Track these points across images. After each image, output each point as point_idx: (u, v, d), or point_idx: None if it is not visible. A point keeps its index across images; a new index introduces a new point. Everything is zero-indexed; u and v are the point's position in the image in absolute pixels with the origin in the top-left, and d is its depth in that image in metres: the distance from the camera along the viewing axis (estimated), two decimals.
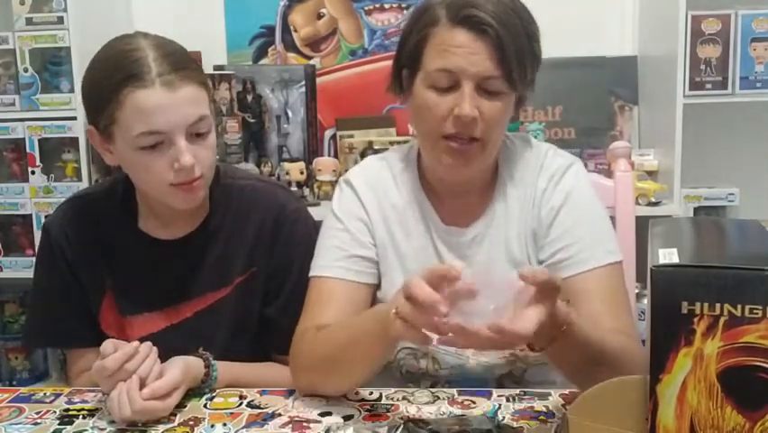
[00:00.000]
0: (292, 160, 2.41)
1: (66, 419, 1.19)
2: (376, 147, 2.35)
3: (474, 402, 1.20)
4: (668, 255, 0.80)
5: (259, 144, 2.45)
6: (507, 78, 1.18)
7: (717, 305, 0.77)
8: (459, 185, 1.30)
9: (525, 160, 1.32)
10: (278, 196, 1.42)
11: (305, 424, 1.14)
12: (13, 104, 2.37)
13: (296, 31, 2.62)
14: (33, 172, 2.38)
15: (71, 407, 1.24)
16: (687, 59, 2.23)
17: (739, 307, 0.76)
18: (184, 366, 1.21)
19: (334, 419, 1.15)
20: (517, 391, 1.24)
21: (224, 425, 1.15)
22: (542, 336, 1.02)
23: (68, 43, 2.31)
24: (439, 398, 1.22)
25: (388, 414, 1.16)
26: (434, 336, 0.98)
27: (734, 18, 2.27)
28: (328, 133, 2.58)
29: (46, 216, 2.36)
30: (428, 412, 1.17)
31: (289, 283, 1.36)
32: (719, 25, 2.26)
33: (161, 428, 1.15)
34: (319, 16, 2.61)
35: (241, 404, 1.22)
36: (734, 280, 0.76)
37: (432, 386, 1.30)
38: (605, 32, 2.53)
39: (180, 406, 1.20)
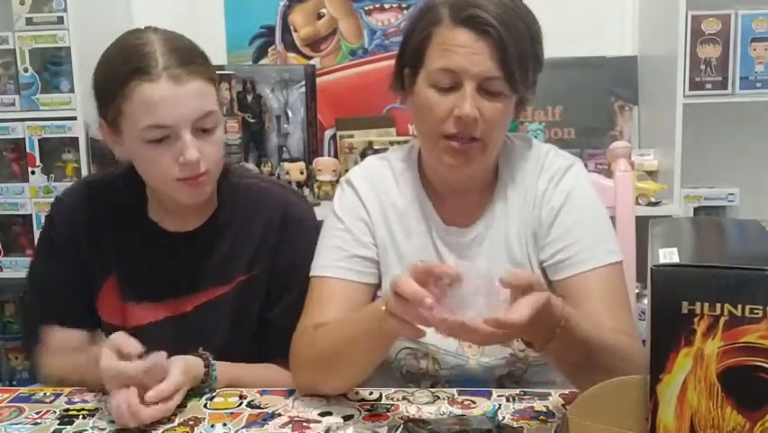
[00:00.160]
0: (292, 160, 2.41)
1: (66, 419, 1.19)
2: (376, 147, 2.35)
3: (474, 402, 1.20)
4: (668, 255, 0.80)
5: (259, 144, 2.45)
6: (508, 79, 1.18)
7: (718, 305, 0.77)
8: (459, 185, 1.30)
9: (525, 160, 1.32)
10: (286, 197, 1.43)
11: (305, 424, 1.14)
12: (13, 104, 2.37)
13: (296, 31, 2.62)
14: (33, 172, 2.38)
15: (71, 407, 1.24)
16: (687, 59, 2.24)
17: (739, 307, 0.76)
18: (185, 366, 1.21)
19: (334, 419, 1.15)
20: (517, 391, 1.24)
21: (224, 425, 1.15)
22: (539, 334, 1.03)
23: (68, 43, 2.31)
24: (439, 398, 1.22)
25: (388, 414, 1.16)
26: (428, 330, 0.99)
27: (734, 18, 2.27)
28: (328, 133, 2.58)
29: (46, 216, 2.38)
30: (428, 412, 1.17)
31: (293, 285, 1.35)
32: (719, 25, 2.26)
33: (161, 428, 1.15)
34: (319, 16, 2.61)
35: (241, 404, 1.22)
36: (734, 280, 0.76)
37: (432, 386, 1.30)
38: (605, 32, 2.53)
39: (180, 406, 1.20)
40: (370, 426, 1.12)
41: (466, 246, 1.31)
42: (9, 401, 1.26)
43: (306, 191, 2.37)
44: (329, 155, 2.54)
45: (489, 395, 1.22)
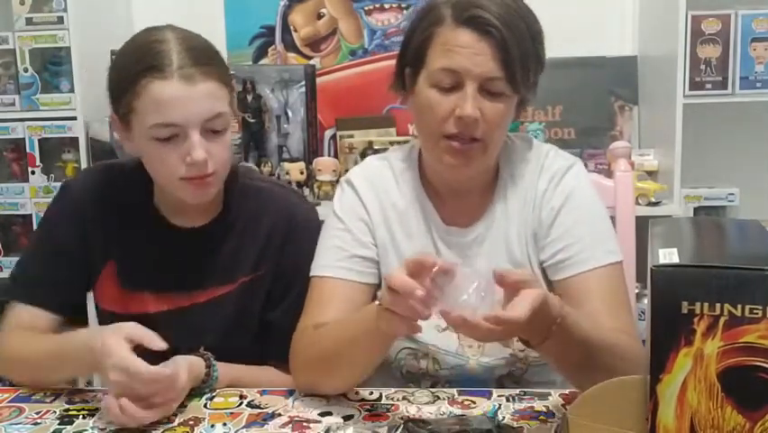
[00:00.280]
0: (292, 160, 2.41)
1: (66, 419, 1.19)
2: (376, 147, 2.35)
3: (474, 402, 1.20)
4: (668, 255, 0.80)
5: (259, 144, 2.45)
6: (509, 79, 1.18)
7: (718, 305, 0.77)
8: (460, 185, 1.30)
9: (525, 160, 1.32)
10: (293, 201, 1.43)
11: (305, 424, 1.14)
12: (13, 104, 2.38)
13: (296, 31, 2.62)
14: (33, 172, 2.38)
15: (71, 407, 1.24)
16: (687, 59, 2.24)
17: (739, 307, 0.76)
18: (187, 366, 1.22)
19: (334, 419, 1.15)
20: (517, 391, 1.24)
21: (224, 425, 1.15)
22: (536, 332, 1.03)
23: (68, 43, 2.31)
24: (439, 398, 1.22)
25: (388, 414, 1.16)
26: (428, 330, 1.00)
27: (734, 18, 2.27)
28: (328, 133, 2.58)
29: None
30: (428, 412, 1.17)
31: (295, 286, 1.35)
32: (719, 25, 2.26)
33: (161, 428, 1.15)
34: (319, 16, 2.61)
35: (241, 404, 1.22)
36: (734, 280, 0.76)
37: (432, 386, 1.30)
38: (605, 32, 2.53)
39: (180, 406, 1.20)
40: (370, 426, 1.12)
41: (466, 247, 1.31)
42: (9, 401, 1.26)
43: (306, 191, 2.37)
44: (329, 155, 2.54)
45: (489, 395, 1.22)
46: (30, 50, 2.34)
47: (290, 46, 2.63)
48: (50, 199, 2.32)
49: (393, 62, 1.31)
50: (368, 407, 1.19)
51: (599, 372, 0.98)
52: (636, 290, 1.70)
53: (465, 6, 1.18)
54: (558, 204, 1.29)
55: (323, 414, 1.17)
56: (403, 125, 2.48)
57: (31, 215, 2.39)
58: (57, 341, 1.30)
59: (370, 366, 1.21)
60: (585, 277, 1.24)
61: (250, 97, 2.44)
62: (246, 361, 1.35)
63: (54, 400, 1.27)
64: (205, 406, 1.22)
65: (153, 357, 1.23)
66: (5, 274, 2.43)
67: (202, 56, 1.24)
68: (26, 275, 1.41)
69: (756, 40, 2.27)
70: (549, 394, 1.22)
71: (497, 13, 1.17)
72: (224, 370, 1.29)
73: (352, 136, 2.46)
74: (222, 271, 1.37)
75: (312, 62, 2.59)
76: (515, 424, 1.12)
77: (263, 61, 2.62)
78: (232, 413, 1.19)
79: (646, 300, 0.83)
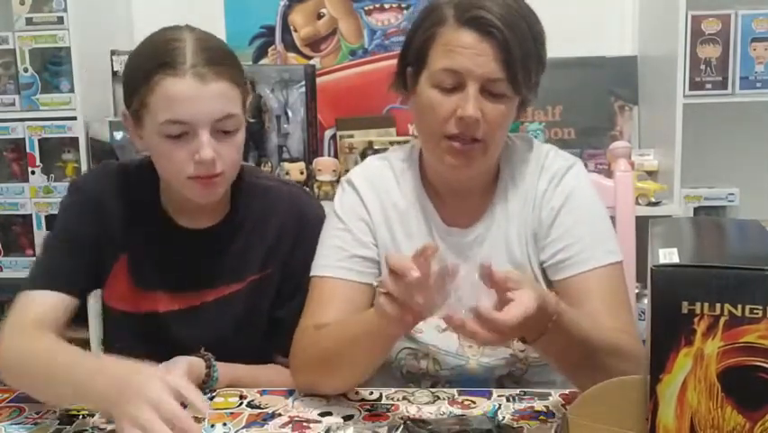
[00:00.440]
0: (292, 160, 2.41)
1: (66, 419, 1.19)
2: (376, 147, 2.35)
3: (474, 402, 1.20)
4: (668, 255, 0.80)
5: (259, 144, 2.45)
6: (511, 80, 1.18)
7: (718, 305, 0.77)
8: (460, 185, 1.30)
9: (526, 161, 1.32)
10: (303, 200, 1.43)
11: (305, 424, 1.14)
12: (13, 104, 2.38)
13: (296, 31, 2.62)
14: (33, 172, 2.38)
15: (71, 407, 1.23)
16: (687, 59, 2.24)
17: (739, 307, 0.76)
18: (188, 367, 1.22)
19: (334, 419, 1.15)
20: (517, 391, 1.24)
21: (224, 425, 1.15)
22: (532, 328, 1.03)
23: (68, 43, 2.31)
24: (439, 398, 1.22)
25: (388, 414, 1.16)
26: (428, 329, 0.99)
27: (734, 18, 2.27)
28: (328, 133, 2.58)
29: (46, 216, 2.38)
30: (428, 412, 1.17)
31: (305, 284, 1.34)
32: (719, 25, 2.27)
33: None
34: (319, 16, 2.61)
35: (241, 404, 1.22)
36: (734, 280, 0.76)
37: (432, 386, 1.30)
38: (605, 32, 2.53)
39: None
40: (370, 426, 1.12)
41: (466, 247, 1.31)
42: (9, 401, 1.26)
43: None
44: (329, 155, 2.54)
45: (489, 395, 1.22)
46: (30, 50, 2.34)
47: (290, 46, 2.63)
48: (50, 199, 2.38)
49: (393, 62, 1.31)
50: (368, 407, 1.19)
51: (599, 371, 0.98)
52: (636, 290, 1.70)
53: (467, 7, 1.18)
54: (558, 204, 1.29)
55: (323, 414, 1.17)
56: (403, 125, 2.48)
57: (31, 215, 2.39)
58: (73, 354, 1.16)
59: (371, 367, 1.21)
60: (585, 277, 1.24)
61: (250, 97, 2.44)
62: (255, 359, 1.35)
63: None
64: None
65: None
66: (6, 274, 2.44)
67: (216, 56, 1.24)
68: (42, 265, 1.36)
69: (756, 40, 2.27)
70: (549, 394, 1.22)
71: (499, 14, 1.17)
72: (224, 370, 1.29)
73: (352, 136, 2.46)
74: (231, 270, 1.37)
75: (312, 62, 2.59)
76: (515, 424, 1.11)
77: (263, 61, 2.62)
78: (232, 413, 1.19)
79: (646, 300, 0.83)
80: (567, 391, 1.21)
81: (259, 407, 1.21)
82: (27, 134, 2.36)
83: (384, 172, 1.36)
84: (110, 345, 1.46)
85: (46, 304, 1.29)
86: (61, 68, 2.34)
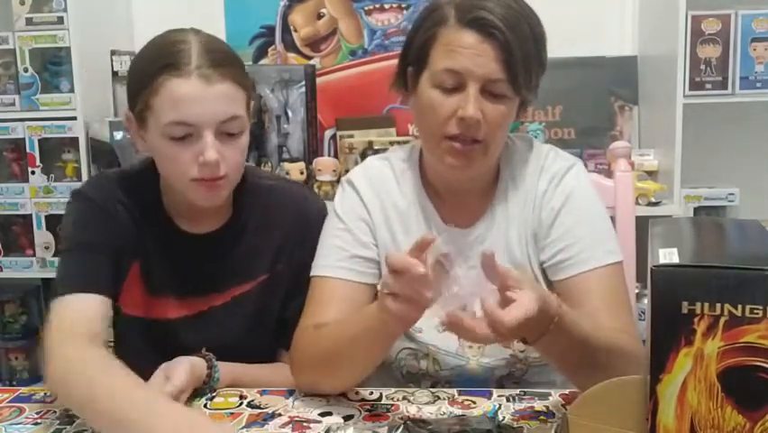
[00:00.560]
0: (292, 160, 2.41)
1: (66, 419, 1.19)
2: (376, 147, 2.35)
3: (474, 402, 1.20)
4: (668, 255, 0.80)
5: (259, 144, 2.45)
6: (512, 81, 1.18)
7: (718, 305, 0.77)
8: (460, 186, 1.30)
9: (526, 161, 1.32)
10: (307, 197, 1.44)
11: (305, 424, 1.14)
12: (13, 104, 2.38)
13: (296, 31, 2.62)
14: (33, 172, 2.38)
15: None
16: (687, 59, 2.24)
17: (739, 307, 0.76)
18: (190, 367, 1.22)
19: (334, 419, 1.15)
20: (517, 391, 1.24)
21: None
22: (533, 330, 1.03)
23: (68, 43, 2.31)
24: (439, 398, 1.22)
25: (388, 414, 1.16)
26: (427, 331, 0.98)
27: (734, 18, 2.27)
28: (328, 133, 2.58)
29: (46, 216, 2.38)
30: (428, 412, 1.17)
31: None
32: (719, 25, 2.26)
33: None
34: (319, 16, 2.61)
35: (241, 404, 1.22)
36: (734, 280, 0.76)
37: (432, 387, 1.30)
38: (605, 32, 2.53)
39: None
40: (370, 426, 1.12)
41: (467, 247, 1.31)
42: (9, 401, 1.26)
43: None
44: (329, 155, 2.55)
45: (489, 395, 1.22)
46: (30, 50, 2.34)
47: (290, 46, 2.63)
48: (50, 199, 2.38)
49: (393, 62, 1.31)
50: (368, 407, 1.19)
51: (599, 371, 0.98)
52: (636, 290, 1.71)
53: (469, 8, 1.18)
54: (558, 204, 1.29)
55: (323, 414, 1.17)
56: (403, 125, 2.48)
57: (31, 215, 2.39)
58: (136, 392, 1.09)
59: (371, 366, 1.21)
60: (585, 277, 1.24)
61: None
62: (266, 360, 1.35)
63: (54, 400, 1.26)
64: (205, 406, 1.22)
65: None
66: (6, 274, 2.44)
67: (221, 58, 1.23)
68: (70, 271, 1.29)
69: (756, 40, 2.27)
70: (549, 394, 1.22)
71: (500, 15, 1.17)
72: (226, 370, 1.29)
73: (352, 136, 2.46)
74: (239, 272, 1.36)
75: (312, 62, 2.59)
76: (515, 424, 1.11)
77: (263, 61, 2.62)
78: (232, 413, 1.19)
79: (646, 300, 0.83)
80: (567, 391, 1.21)
81: (259, 407, 1.21)
82: (27, 134, 2.36)
83: (384, 172, 1.36)
84: (120, 350, 1.44)
85: (88, 309, 1.24)
86: (61, 68, 2.34)
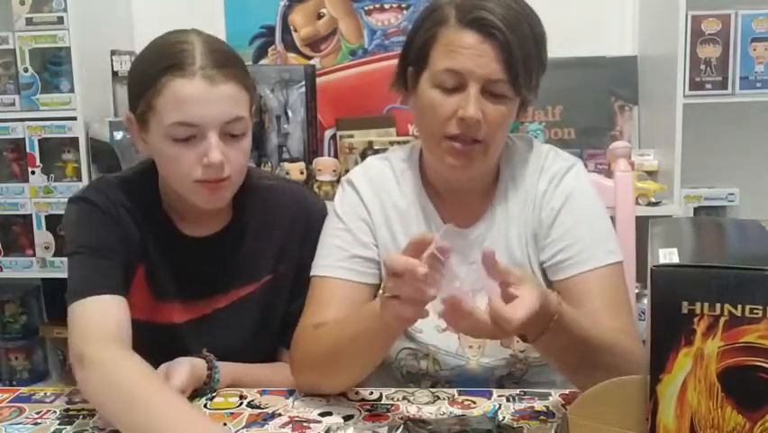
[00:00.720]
0: (292, 160, 2.41)
1: (66, 419, 1.19)
2: (376, 147, 2.35)
3: (474, 402, 1.20)
4: (668, 255, 0.80)
5: (259, 144, 2.44)
6: (512, 82, 1.18)
7: (718, 305, 0.77)
8: (461, 186, 1.31)
9: (526, 161, 1.33)
10: (307, 197, 1.44)
11: (305, 424, 1.14)
12: (13, 104, 2.37)
13: (296, 31, 2.62)
14: (33, 172, 2.38)
15: (71, 407, 1.24)
16: (687, 59, 2.24)
17: (739, 307, 0.76)
18: (190, 368, 1.22)
19: (334, 419, 1.15)
20: (517, 391, 1.24)
21: (224, 425, 1.15)
22: (533, 327, 1.03)
23: (68, 43, 2.31)
24: (439, 398, 1.22)
25: (388, 414, 1.16)
26: (427, 330, 0.98)
27: (734, 18, 2.27)
28: (328, 133, 2.58)
29: (46, 216, 2.38)
30: (428, 412, 1.17)
31: None
32: (719, 25, 2.26)
33: None
34: (319, 16, 2.61)
35: (241, 404, 1.22)
36: (734, 280, 0.76)
37: (432, 387, 1.30)
38: (605, 32, 2.53)
39: None
40: (370, 426, 1.12)
41: (467, 247, 1.30)
42: (9, 401, 1.26)
43: None
44: (329, 155, 2.54)
45: (489, 395, 1.22)
46: (30, 50, 2.34)
47: (290, 46, 2.63)
48: (50, 199, 2.38)
49: (393, 62, 1.31)
50: (368, 407, 1.19)
51: (599, 371, 0.98)
52: (636, 290, 1.70)
53: (469, 8, 1.18)
54: (558, 204, 1.29)
55: (323, 414, 1.17)
56: (403, 125, 2.48)
57: (31, 215, 2.39)
58: (177, 409, 1.07)
59: (371, 365, 1.21)
60: (585, 277, 1.24)
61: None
62: (269, 358, 1.36)
63: (54, 400, 1.27)
64: (205, 406, 1.22)
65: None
66: (6, 274, 2.44)
67: (224, 58, 1.23)
68: (83, 275, 1.26)
69: (756, 40, 2.27)
70: (549, 394, 1.22)
71: (501, 15, 1.17)
72: (226, 370, 1.29)
73: (352, 136, 2.46)
74: (242, 273, 1.36)
75: (312, 62, 2.59)
76: (515, 424, 1.12)
77: (263, 61, 2.62)
78: (232, 413, 1.19)
79: (646, 300, 0.83)
80: (567, 391, 1.21)
81: (259, 407, 1.21)
82: (27, 134, 2.36)
83: (384, 172, 1.36)
84: None
85: (112, 311, 1.21)
86: (61, 68, 2.34)
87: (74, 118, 2.33)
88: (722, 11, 2.27)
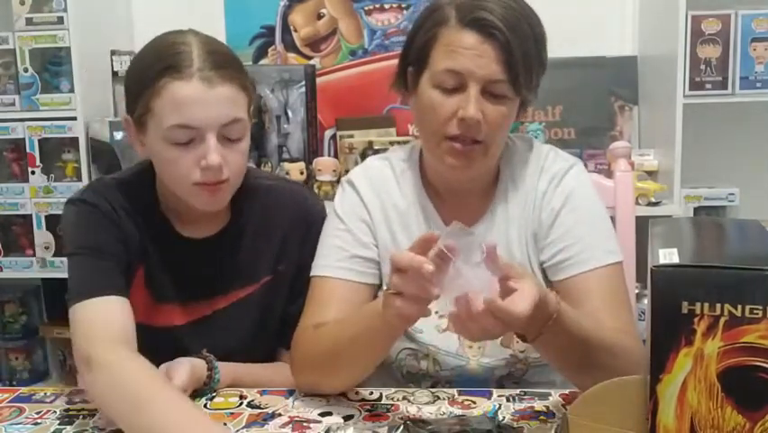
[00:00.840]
0: (292, 160, 2.40)
1: (66, 419, 1.19)
2: (376, 147, 2.35)
3: (474, 402, 1.20)
4: (668, 255, 0.80)
5: (259, 144, 2.45)
6: (512, 82, 1.18)
7: (718, 305, 0.77)
8: (461, 186, 1.31)
9: (526, 162, 1.33)
10: (307, 197, 1.44)
11: (305, 424, 1.14)
12: (13, 104, 2.37)
13: (296, 31, 2.62)
14: (33, 172, 2.38)
15: (71, 407, 1.24)
16: (687, 59, 2.24)
17: (739, 307, 0.76)
18: (190, 368, 1.22)
19: (334, 419, 1.15)
20: (517, 391, 1.24)
21: (224, 425, 1.15)
22: (533, 326, 1.03)
23: (68, 43, 2.31)
24: (439, 398, 1.22)
25: (389, 414, 1.16)
26: (427, 330, 0.97)
27: (734, 18, 2.27)
28: (328, 133, 2.58)
29: (46, 216, 2.38)
30: (428, 412, 1.17)
31: None
32: (719, 25, 2.26)
33: None
34: (319, 16, 2.61)
35: (241, 404, 1.22)
36: (734, 281, 0.76)
37: (432, 387, 1.30)
38: (605, 32, 2.53)
39: None
40: (370, 426, 1.12)
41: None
42: (9, 401, 1.26)
43: None
44: (329, 155, 2.54)
45: (489, 395, 1.22)
46: (30, 50, 2.34)
47: (290, 46, 2.63)
48: (50, 199, 2.38)
49: (393, 62, 1.31)
50: (368, 407, 1.19)
51: (599, 371, 0.98)
52: (636, 290, 1.70)
53: (470, 8, 1.18)
54: (558, 205, 1.29)
55: (323, 414, 1.17)
56: (403, 125, 2.48)
57: (31, 215, 2.39)
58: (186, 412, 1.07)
59: (371, 365, 1.21)
60: (585, 277, 1.24)
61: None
62: (268, 359, 1.36)
63: (54, 400, 1.27)
64: (205, 406, 1.22)
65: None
66: (6, 274, 2.44)
67: (222, 60, 1.23)
68: (84, 276, 1.26)
69: (756, 40, 2.27)
70: (549, 394, 1.22)
71: (501, 16, 1.17)
72: (226, 371, 1.29)
73: (352, 136, 2.46)
74: (241, 274, 1.36)
75: (312, 62, 2.59)
76: (515, 424, 1.11)
77: (263, 61, 2.62)
78: (232, 413, 1.19)
79: (646, 300, 0.83)
80: (567, 391, 1.21)
81: (259, 407, 1.21)
82: (27, 134, 2.36)
83: (384, 172, 1.36)
84: None
85: (116, 312, 1.21)
86: (61, 68, 2.34)
87: (74, 118, 2.33)
88: (722, 11, 2.27)
